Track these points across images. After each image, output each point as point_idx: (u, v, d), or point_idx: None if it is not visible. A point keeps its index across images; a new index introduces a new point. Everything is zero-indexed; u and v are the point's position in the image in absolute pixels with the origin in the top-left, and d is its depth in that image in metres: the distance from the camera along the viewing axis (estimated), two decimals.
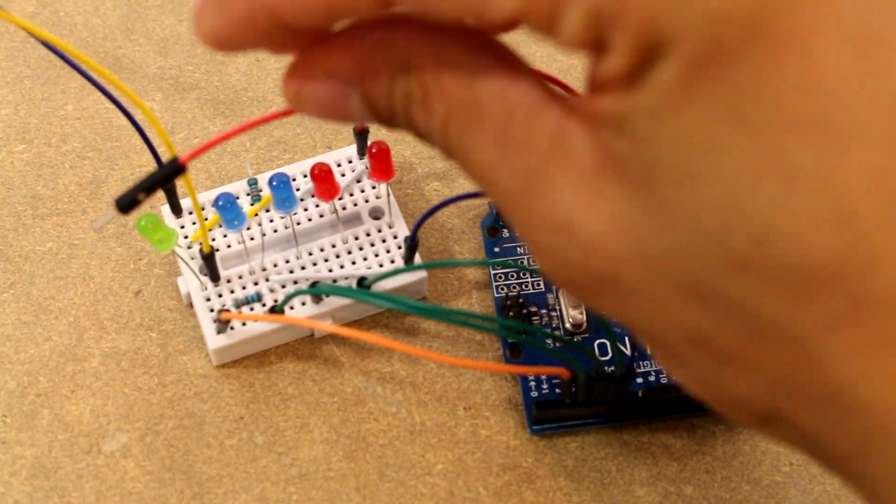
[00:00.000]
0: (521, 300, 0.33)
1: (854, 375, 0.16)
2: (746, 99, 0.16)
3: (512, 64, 0.20)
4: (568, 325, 0.33)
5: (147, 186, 0.22)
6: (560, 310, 0.33)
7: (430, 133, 0.20)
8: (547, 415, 0.31)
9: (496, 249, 0.35)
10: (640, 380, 0.32)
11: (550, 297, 0.34)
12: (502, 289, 0.34)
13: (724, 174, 0.16)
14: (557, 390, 0.32)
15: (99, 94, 0.31)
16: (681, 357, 0.19)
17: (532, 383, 0.32)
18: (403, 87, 0.20)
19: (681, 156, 0.16)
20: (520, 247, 0.35)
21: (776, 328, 0.17)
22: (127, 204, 0.22)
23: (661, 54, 0.16)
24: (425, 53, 0.20)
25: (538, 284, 0.34)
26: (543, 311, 0.33)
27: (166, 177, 0.22)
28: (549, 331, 0.33)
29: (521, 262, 0.34)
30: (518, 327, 0.32)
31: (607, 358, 0.32)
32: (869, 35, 0.15)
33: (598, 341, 0.33)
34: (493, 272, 0.34)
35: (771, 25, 0.15)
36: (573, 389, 0.30)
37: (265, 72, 0.38)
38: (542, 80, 0.20)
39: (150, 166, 0.35)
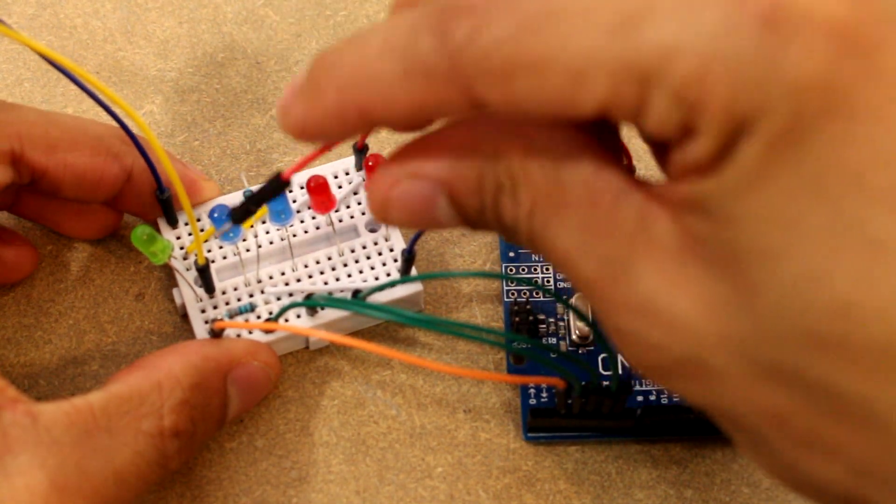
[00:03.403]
0: (528, 307, 0.33)
1: None
2: (827, 171, 0.16)
3: (598, 150, 0.19)
4: (574, 337, 0.33)
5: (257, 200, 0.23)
6: (567, 320, 0.33)
7: (517, 223, 0.20)
8: (542, 423, 0.31)
9: (511, 254, 0.34)
10: (639, 398, 0.32)
11: (560, 307, 0.33)
12: (512, 293, 0.34)
13: (805, 249, 0.16)
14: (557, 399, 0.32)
15: None
16: (761, 439, 0.19)
17: (532, 391, 0.32)
18: (493, 176, 0.20)
19: (761, 233, 0.16)
20: (533, 255, 0.34)
21: (858, 408, 0.16)
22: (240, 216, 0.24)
23: (746, 133, 0.16)
24: (513, 141, 0.20)
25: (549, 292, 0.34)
26: (551, 319, 0.33)
27: (273, 191, 0.23)
28: (552, 341, 0.33)
29: (522, 273, 0.34)
30: (515, 339, 0.32)
31: (610, 373, 0.32)
32: None
33: (602, 355, 0.33)
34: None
35: (848, 97, 0.15)
36: (568, 401, 0.30)
37: (265, 74, 0.38)
38: (625, 167, 0.19)
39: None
